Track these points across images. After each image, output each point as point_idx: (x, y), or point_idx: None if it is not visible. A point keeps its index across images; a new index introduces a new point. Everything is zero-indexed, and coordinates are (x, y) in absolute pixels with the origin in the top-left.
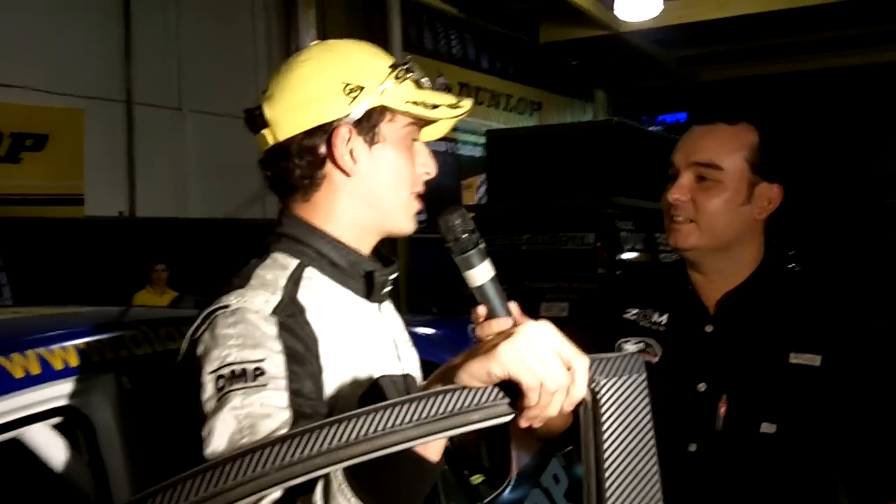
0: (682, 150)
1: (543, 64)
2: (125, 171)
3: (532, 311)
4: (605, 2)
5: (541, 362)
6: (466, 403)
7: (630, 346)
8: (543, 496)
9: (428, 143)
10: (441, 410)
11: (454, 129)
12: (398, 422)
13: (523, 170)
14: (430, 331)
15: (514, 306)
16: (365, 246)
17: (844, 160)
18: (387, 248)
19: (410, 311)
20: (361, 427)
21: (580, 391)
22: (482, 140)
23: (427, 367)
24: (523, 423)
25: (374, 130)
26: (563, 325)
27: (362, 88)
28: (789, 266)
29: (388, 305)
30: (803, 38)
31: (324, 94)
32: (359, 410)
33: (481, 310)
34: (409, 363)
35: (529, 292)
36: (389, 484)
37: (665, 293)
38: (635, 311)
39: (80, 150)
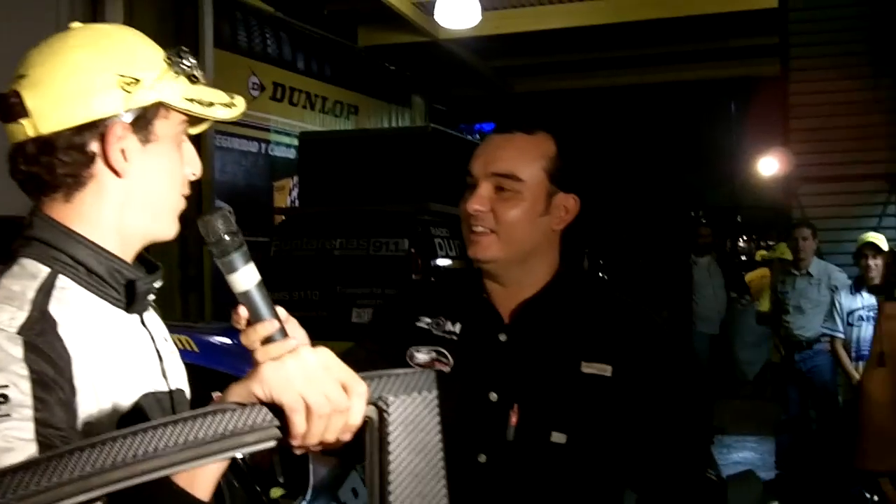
0: (481, 159)
1: (361, 68)
2: None
3: (344, 317)
4: (425, 8)
5: (309, 385)
6: (239, 425)
7: (421, 355)
8: None
9: (237, 142)
10: (210, 433)
11: (266, 130)
12: (161, 445)
13: (337, 173)
14: (228, 340)
15: (282, 311)
16: (129, 252)
17: (654, 174)
18: (195, 250)
19: (215, 318)
20: (119, 451)
21: (356, 416)
22: (296, 142)
23: (226, 379)
24: (297, 450)
25: (148, 128)
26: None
27: (139, 82)
28: (599, 275)
29: (152, 315)
30: (617, 53)
31: (98, 86)
32: (116, 433)
33: (242, 312)
34: (175, 379)
35: (341, 298)
36: None
37: (458, 302)
38: (428, 319)
39: None
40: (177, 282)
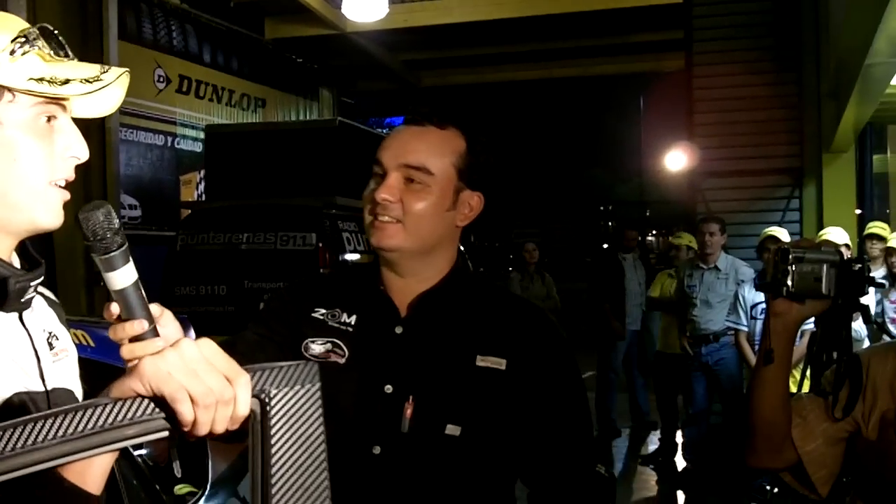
0: (391, 149)
1: (268, 60)
2: None
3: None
4: (333, 1)
5: (190, 376)
6: (119, 418)
7: (317, 346)
8: None
9: (142, 135)
10: (90, 426)
11: (172, 123)
12: (40, 438)
13: (244, 167)
14: None
15: (156, 308)
16: (5, 245)
17: (561, 169)
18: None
19: None
20: None
21: (243, 406)
22: (202, 135)
23: (123, 374)
24: (189, 438)
25: None
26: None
27: None
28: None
29: (36, 314)
30: (524, 47)
31: None
32: None
33: (114, 308)
34: (59, 379)
35: (249, 292)
36: None
37: (354, 293)
38: (323, 310)
39: None
40: (81, 277)
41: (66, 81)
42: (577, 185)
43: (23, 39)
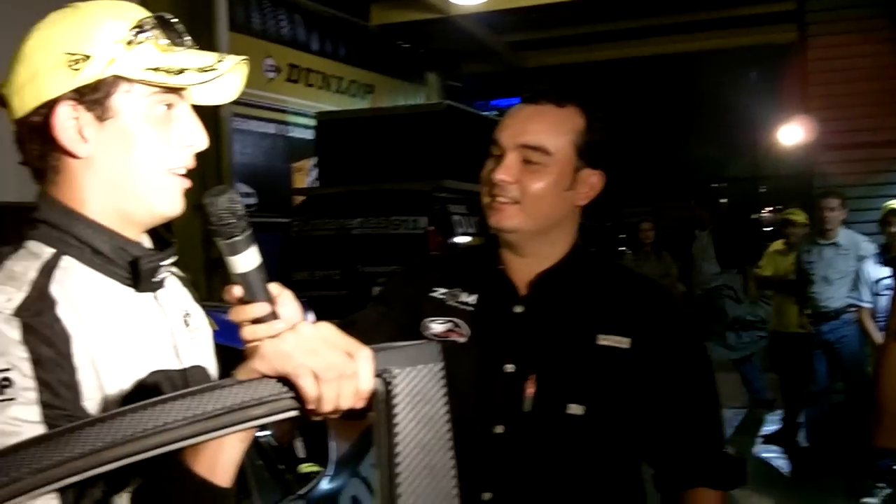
0: (509, 129)
1: (375, 46)
2: None
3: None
4: None
5: (310, 354)
6: (246, 398)
7: (437, 326)
8: (362, 486)
9: (254, 124)
10: (217, 407)
11: (284, 112)
12: (169, 420)
13: (354, 153)
14: None
15: (276, 287)
16: (133, 230)
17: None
18: None
19: None
20: (128, 426)
21: (366, 380)
22: (313, 123)
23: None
24: (314, 417)
25: (104, 104)
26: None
27: (88, 58)
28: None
29: (169, 292)
30: (632, 24)
31: (46, 68)
32: (124, 408)
33: (237, 291)
34: (194, 356)
35: (361, 276)
36: None
37: (474, 273)
38: (443, 290)
39: None
40: (200, 262)
41: (182, 71)
42: (688, 162)
43: (138, 29)
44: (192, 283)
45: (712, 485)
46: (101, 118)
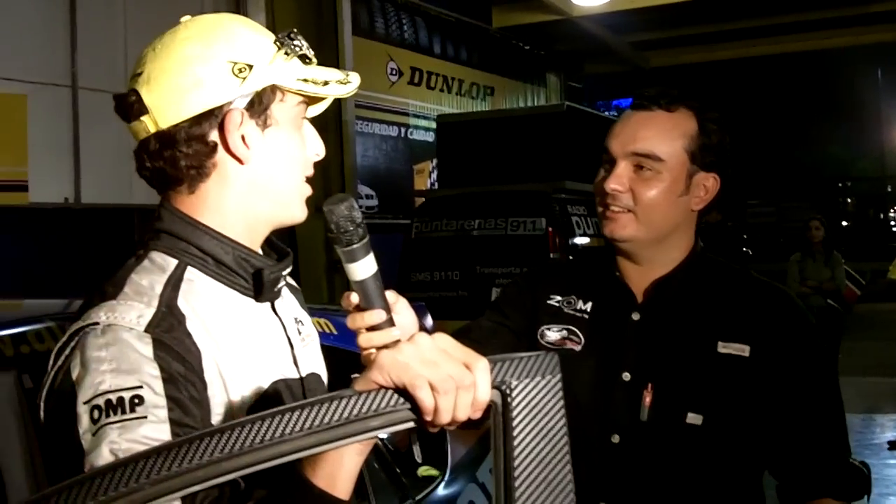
0: (619, 137)
1: (496, 48)
2: (70, 157)
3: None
4: None
5: (427, 365)
6: (364, 409)
7: (553, 334)
8: (479, 491)
9: (377, 127)
10: (335, 417)
11: (405, 114)
12: (288, 430)
13: (474, 155)
14: None
15: (392, 295)
16: (256, 239)
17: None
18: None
19: None
20: (246, 436)
21: (483, 391)
22: (434, 125)
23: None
24: (431, 428)
25: (266, 112)
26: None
27: (251, 67)
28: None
29: (285, 302)
30: (754, 23)
31: (211, 75)
32: (244, 419)
33: (354, 297)
34: (309, 364)
35: (481, 278)
36: None
37: (590, 280)
38: (559, 297)
39: (24, 135)
40: (322, 266)
41: (326, 83)
42: (813, 161)
43: (293, 42)
44: (298, 290)
45: (836, 496)
46: (262, 126)
